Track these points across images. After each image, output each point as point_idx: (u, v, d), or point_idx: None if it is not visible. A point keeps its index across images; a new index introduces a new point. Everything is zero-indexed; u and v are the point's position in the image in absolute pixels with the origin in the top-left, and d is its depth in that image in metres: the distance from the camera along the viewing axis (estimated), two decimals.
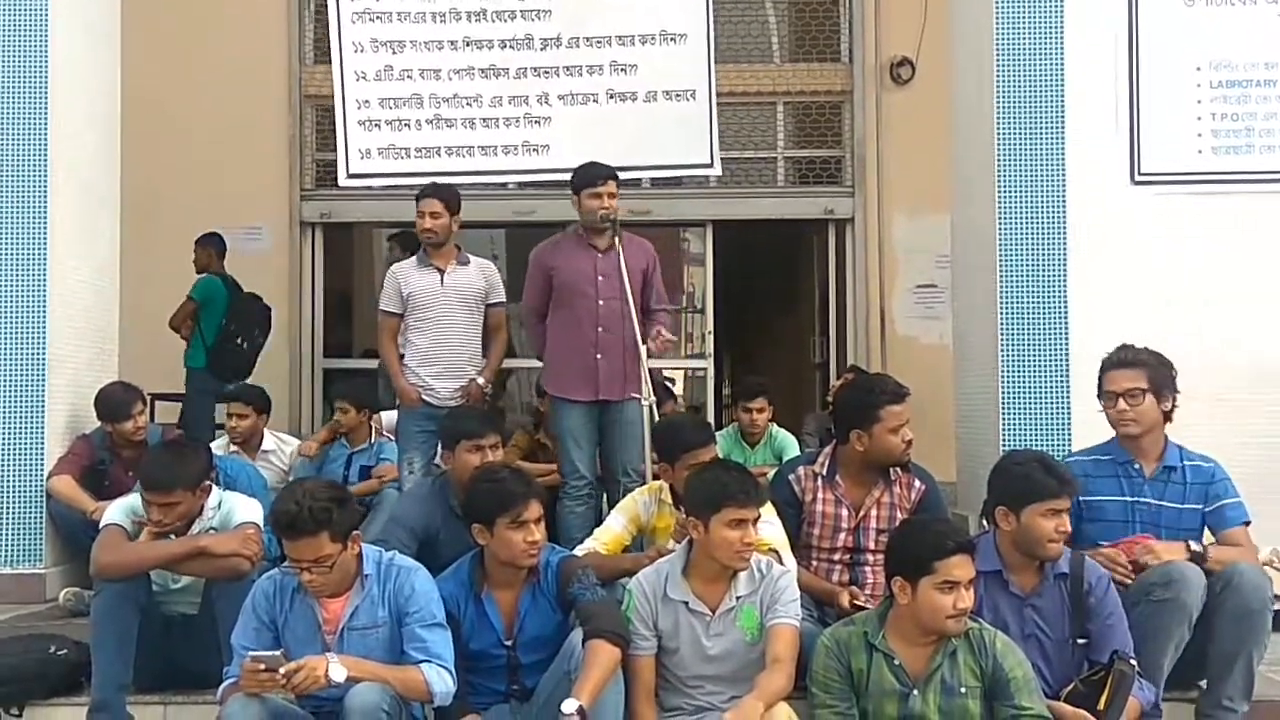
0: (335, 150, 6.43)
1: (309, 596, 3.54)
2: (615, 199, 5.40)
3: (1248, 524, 4.12)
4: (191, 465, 4.03)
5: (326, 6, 8.03)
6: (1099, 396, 4.23)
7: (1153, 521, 4.06)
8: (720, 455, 4.96)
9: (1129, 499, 4.08)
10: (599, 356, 5.28)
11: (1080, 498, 3.92)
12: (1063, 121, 5.53)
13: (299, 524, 3.40)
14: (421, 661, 3.45)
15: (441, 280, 5.64)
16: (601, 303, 5.30)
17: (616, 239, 5.34)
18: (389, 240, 8.36)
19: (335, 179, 8.60)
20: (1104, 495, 4.09)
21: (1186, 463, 4.12)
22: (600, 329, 5.30)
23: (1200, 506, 4.09)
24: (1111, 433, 4.24)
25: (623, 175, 5.62)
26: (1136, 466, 4.11)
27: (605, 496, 5.33)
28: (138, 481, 4.53)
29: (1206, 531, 4.15)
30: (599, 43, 6.27)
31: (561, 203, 8.28)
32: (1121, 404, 4.09)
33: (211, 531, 4.02)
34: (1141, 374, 4.11)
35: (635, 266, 5.38)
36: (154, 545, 3.93)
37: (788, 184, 9.15)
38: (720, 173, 6.83)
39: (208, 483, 4.08)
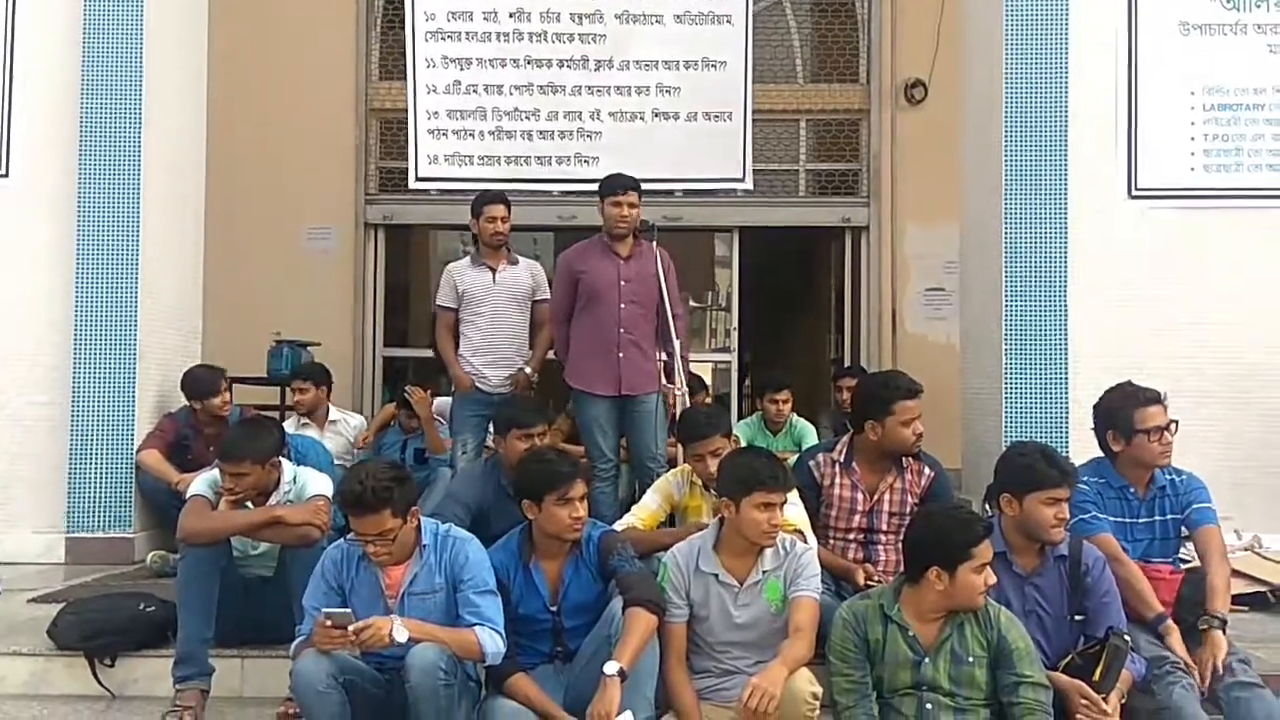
0: (397, 159, 6.49)
1: (373, 565, 3.56)
2: (636, 209, 5.24)
3: (1218, 526, 4.00)
4: (262, 441, 4.07)
5: (391, 27, 8.11)
6: (1122, 434, 3.98)
7: (1146, 537, 4.00)
8: (744, 442, 4.96)
9: (1127, 520, 4.00)
10: (620, 355, 5.17)
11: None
12: (1065, 139, 5.49)
13: (364, 502, 3.42)
14: (475, 624, 3.46)
15: (494, 278, 5.65)
16: (623, 306, 5.18)
17: (653, 244, 5.26)
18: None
19: (397, 185, 8.75)
20: (1109, 517, 3.97)
21: (1168, 478, 4.03)
22: (622, 330, 5.18)
23: (1179, 515, 4.01)
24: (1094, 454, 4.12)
25: (664, 187, 5.60)
26: (1132, 490, 4.02)
27: (636, 482, 5.30)
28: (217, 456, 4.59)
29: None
30: (647, 66, 6.30)
31: None
32: (1166, 437, 3.95)
33: (288, 503, 4.04)
34: (1164, 409, 3.99)
35: (649, 272, 5.22)
36: (234, 514, 3.97)
37: (808, 194, 9.11)
38: (751, 187, 6.82)
39: (278, 459, 4.11)
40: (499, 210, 5.66)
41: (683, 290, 5.73)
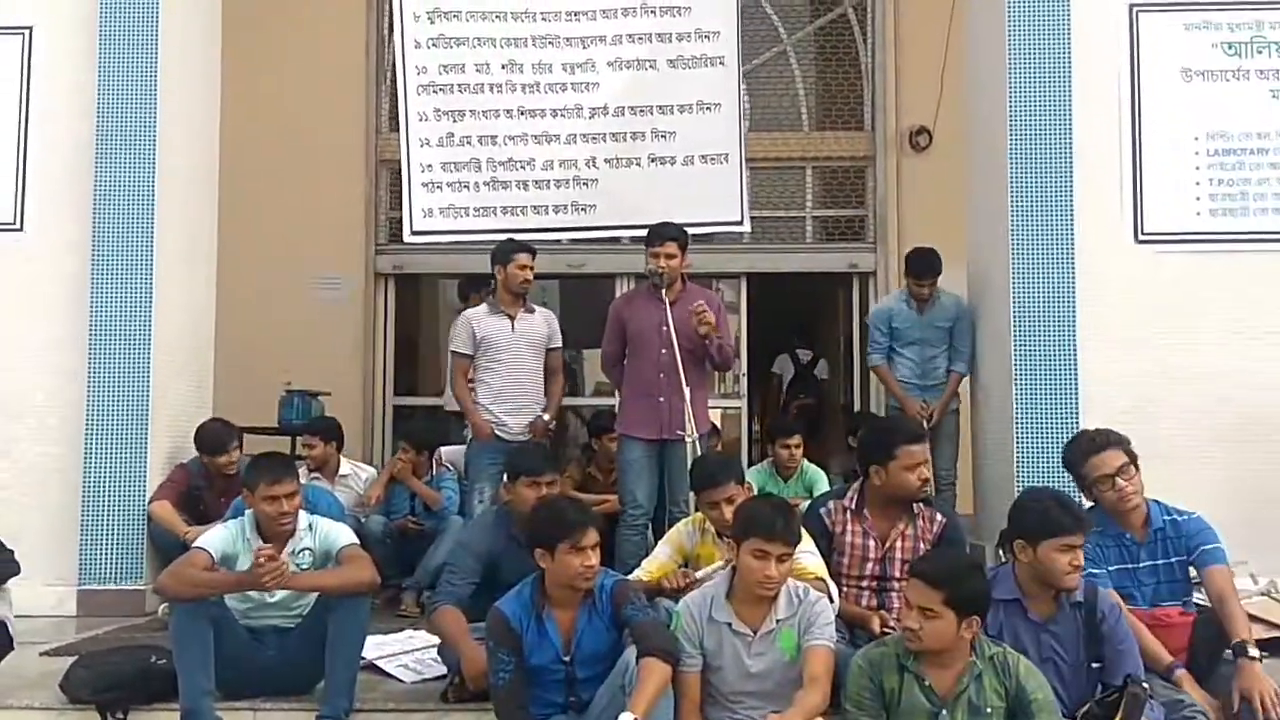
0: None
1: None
2: (675, 259, 5.35)
3: (1227, 565, 3.94)
4: (290, 466, 4.17)
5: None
6: (1085, 488, 3.96)
7: (1152, 581, 3.95)
8: (755, 488, 4.94)
9: (1129, 566, 3.95)
10: (661, 399, 5.27)
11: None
12: (1072, 186, 5.52)
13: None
14: None
15: (513, 326, 5.70)
16: (663, 351, 5.29)
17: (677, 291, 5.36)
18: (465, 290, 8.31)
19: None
20: (1110, 566, 3.93)
21: (1167, 518, 3.97)
22: (661, 375, 5.28)
23: (1184, 557, 3.95)
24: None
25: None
26: (1129, 537, 3.96)
27: (651, 525, 5.30)
28: (230, 506, 4.58)
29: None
30: (641, 111, 6.29)
31: (609, 257, 8.41)
32: (1120, 482, 3.89)
33: (306, 550, 4.03)
34: (1120, 451, 3.91)
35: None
36: (214, 575, 3.88)
37: (815, 240, 9.17)
38: (749, 229, 6.83)
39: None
40: (527, 258, 5.74)
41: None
